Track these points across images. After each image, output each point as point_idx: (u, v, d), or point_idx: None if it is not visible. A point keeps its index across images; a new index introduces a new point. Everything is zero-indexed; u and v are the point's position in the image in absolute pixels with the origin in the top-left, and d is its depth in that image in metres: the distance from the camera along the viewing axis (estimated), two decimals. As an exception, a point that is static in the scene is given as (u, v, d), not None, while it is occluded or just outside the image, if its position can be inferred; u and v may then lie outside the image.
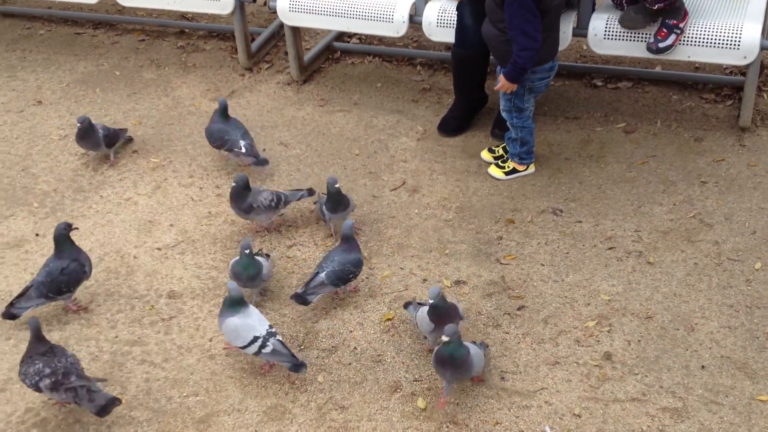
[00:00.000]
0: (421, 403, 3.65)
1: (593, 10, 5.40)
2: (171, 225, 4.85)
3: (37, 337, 3.53)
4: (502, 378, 3.77)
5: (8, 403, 3.77)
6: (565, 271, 4.36)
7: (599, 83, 6.05)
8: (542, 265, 4.43)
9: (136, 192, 5.17)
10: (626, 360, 3.84)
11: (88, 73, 6.49)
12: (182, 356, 3.98)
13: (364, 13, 5.76)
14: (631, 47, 5.26)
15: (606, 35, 5.27)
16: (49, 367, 3.45)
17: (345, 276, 4.03)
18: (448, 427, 3.58)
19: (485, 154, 5.29)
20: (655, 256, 4.45)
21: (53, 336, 4.11)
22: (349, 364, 3.88)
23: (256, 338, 3.61)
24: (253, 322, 3.66)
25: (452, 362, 3.43)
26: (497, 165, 5.15)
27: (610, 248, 4.51)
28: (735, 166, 5.02)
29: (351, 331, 4.06)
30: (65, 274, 4.02)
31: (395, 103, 5.98)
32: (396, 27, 5.74)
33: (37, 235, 4.80)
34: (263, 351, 3.62)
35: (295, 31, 6.10)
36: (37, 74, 6.50)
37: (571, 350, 3.90)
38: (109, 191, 5.19)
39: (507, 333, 4.01)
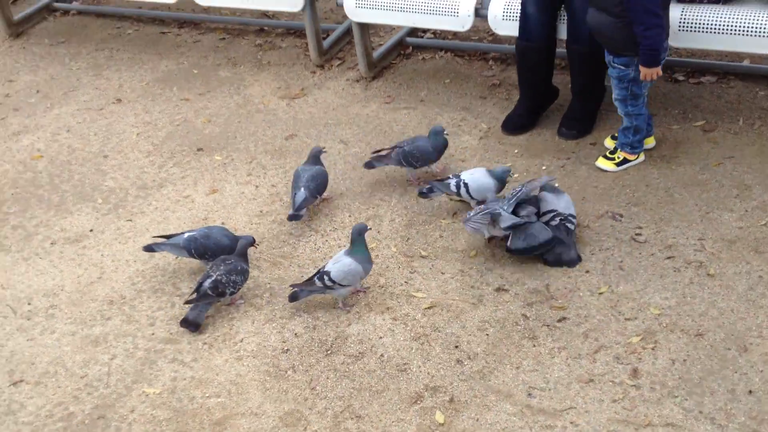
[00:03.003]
0: (439, 417, 3.49)
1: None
2: (222, 223, 4.85)
3: None
4: (529, 394, 3.56)
5: (41, 396, 3.84)
6: (615, 281, 4.09)
7: (681, 77, 5.65)
8: (591, 273, 4.16)
9: (195, 190, 5.20)
10: (667, 381, 3.54)
11: (168, 71, 6.60)
12: (212, 356, 3.96)
13: (429, 8, 5.61)
14: (718, 39, 4.86)
15: (682, 26, 4.90)
16: None
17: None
18: (467, 443, 3.41)
19: (603, 162, 4.92)
20: (717, 267, 4.10)
21: (94, 331, 4.18)
22: (373, 371, 3.76)
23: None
24: None
25: None
26: (605, 156, 4.88)
27: (669, 257, 4.19)
28: (821, 169, 4.58)
29: (381, 337, 3.94)
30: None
31: (462, 100, 5.80)
32: (461, 21, 5.56)
33: (91, 230, 4.89)
34: None
35: (363, 27, 5.99)
36: (120, 73, 6.66)
37: (608, 367, 3.64)
38: (170, 189, 5.24)
39: (542, 345, 3.78)
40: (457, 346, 3.82)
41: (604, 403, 3.48)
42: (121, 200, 5.15)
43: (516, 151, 5.18)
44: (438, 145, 4.90)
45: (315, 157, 4.82)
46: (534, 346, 3.78)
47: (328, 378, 3.72)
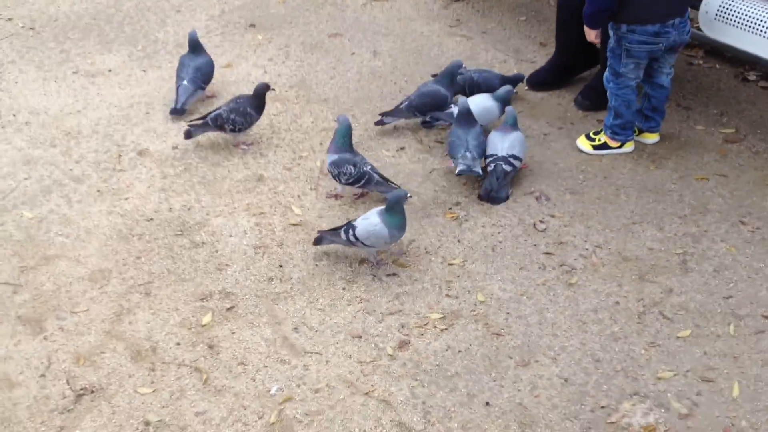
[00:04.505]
0: (206, 319, 3.62)
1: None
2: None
3: None
4: (296, 329, 3.57)
5: None
6: (475, 258, 3.90)
7: (752, 77, 4.94)
8: (462, 243, 3.98)
9: (217, 59, 5.49)
10: (423, 363, 3.41)
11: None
12: (93, 202, 4.33)
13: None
14: (747, 39, 4.23)
15: (719, 16, 4.29)
16: None
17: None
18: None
19: (582, 142, 4.59)
20: (584, 279, 3.76)
21: (34, 152, 4.71)
22: (196, 261, 3.93)
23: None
24: None
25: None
26: (587, 136, 4.56)
27: (548, 253, 3.92)
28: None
29: (231, 236, 4.08)
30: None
31: (519, 41, 5.54)
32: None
33: (109, 70, 5.39)
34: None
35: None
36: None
37: (386, 331, 3.55)
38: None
39: (349, 291, 3.75)
40: (281, 266, 3.89)
41: (349, 360, 3.43)
42: (154, 52, 5.60)
43: (520, 109, 4.90)
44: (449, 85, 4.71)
45: (196, 46, 4.88)
46: (343, 289, 3.76)
47: (157, 254, 3.97)
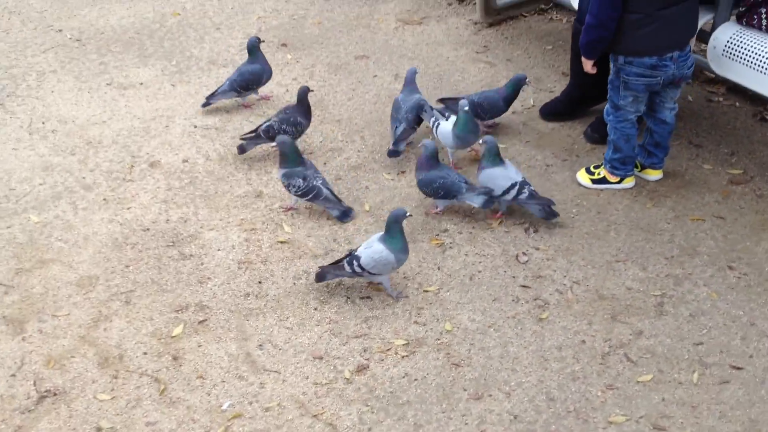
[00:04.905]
0: (177, 330, 3.73)
1: (733, 11, 4.30)
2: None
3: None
4: (260, 346, 3.66)
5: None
6: (450, 286, 3.91)
7: (771, 117, 4.81)
8: (442, 270, 4.00)
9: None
10: (377, 390, 3.43)
11: None
12: (98, 210, 4.53)
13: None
14: (758, 79, 4.13)
15: (726, 52, 4.21)
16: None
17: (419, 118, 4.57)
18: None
19: (581, 175, 4.53)
20: (555, 315, 3.73)
21: (53, 159, 4.95)
22: (181, 273, 4.06)
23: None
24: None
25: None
26: (587, 169, 4.53)
27: (524, 286, 3.90)
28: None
29: (219, 250, 4.21)
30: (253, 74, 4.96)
31: (542, 71, 5.52)
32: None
33: (141, 83, 5.61)
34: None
35: (485, -31, 5.84)
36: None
37: (348, 354, 3.60)
38: (230, 69, 5.72)
39: (320, 312, 3.84)
40: (260, 282, 3.99)
41: (306, 381, 3.49)
42: (186, 68, 5.80)
43: (528, 139, 4.89)
44: (508, 95, 4.79)
45: (251, 53, 5.06)
46: (315, 309, 3.83)
47: (146, 263, 4.12)
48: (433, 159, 4.11)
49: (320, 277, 3.81)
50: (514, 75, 4.73)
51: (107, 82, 5.60)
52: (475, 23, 6.09)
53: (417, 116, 4.64)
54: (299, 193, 4.16)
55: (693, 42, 4.27)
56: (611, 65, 4.15)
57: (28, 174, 4.74)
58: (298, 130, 4.64)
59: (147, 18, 6.36)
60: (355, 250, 3.78)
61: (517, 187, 4.09)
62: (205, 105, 5.18)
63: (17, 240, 4.25)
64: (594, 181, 4.40)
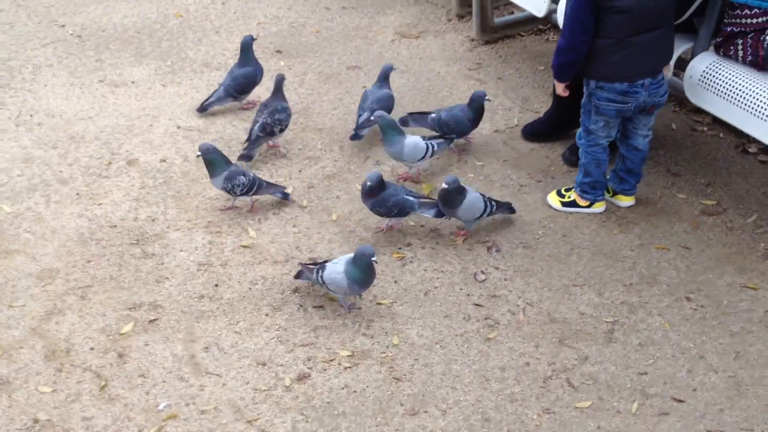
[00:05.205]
0: (126, 328, 3.77)
1: (712, 41, 4.26)
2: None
3: None
4: (206, 348, 3.67)
5: None
6: (404, 300, 3.90)
7: (753, 150, 4.76)
8: (398, 283, 4.00)
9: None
10: (314, 400, 3.43)
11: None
12: (75, 202, 4.59)
13: (518, -16, 5.32)
14: (730, 110, 4.09)
15: (702, 82, 4.18)
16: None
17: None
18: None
19: (552, 198, 4.51)
20: (503, 335, 3.72)
21: (35, 152, 5.02)
22: (140, 271, 4.09)
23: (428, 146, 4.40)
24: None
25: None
26: (558, 192, 4.51)
27: (478, 305, 3.88)
28: None
29: (181, 250, 4.24)
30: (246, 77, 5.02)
31: (530, 90, 5.50)
32: (538, 5, 5.23)
33: (132, 82, 5.67)
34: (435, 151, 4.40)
35: (482, -15, 5.84)
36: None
37: (291, 362, 3.60)
38: (222, 72, 5.77)
39: (277, 317, 3.84)
40: (216, 285, 4.01)
41: (246, 386, 3.50)
42: (180, 69, 5.86)
43: (506, 158, 4.88)
44: (474, 115, 4.80)
45: (244, 53, 5.10)
46: (266, 315, 3.84)
47: (108, 260, 4.16)
48: (380, 187, 4.08)
49: (298, 275, 3.87)
50: (474, 92, 4.71)
51: (100, 79, 5.67)
52: (472, 40, 6.09)
53: (382, 108, 4.75)
54: (244, 190, 4.20)
55: (670, 70, 4.24)
56: (584, 89, 4.13)
57: (8, 165, 4.81)
58: (288, 115, 4.75)
59: (149, 18, 6.43)
60: (329, 260, 3.78)
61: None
62: (201, 110, 5.20)
63: (-13, 229, 4.30)
64: (564, 204, 4.37)
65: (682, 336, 3.64)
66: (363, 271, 3.62)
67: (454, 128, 4.71)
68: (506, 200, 4.30)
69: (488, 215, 4.17)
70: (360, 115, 4.88)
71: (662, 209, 4.40)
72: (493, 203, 4.18)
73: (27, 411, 3.36)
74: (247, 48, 5.15)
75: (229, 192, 4.29)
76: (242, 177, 4.23)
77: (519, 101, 5.40)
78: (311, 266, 3.81)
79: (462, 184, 4.09)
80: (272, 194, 4.39)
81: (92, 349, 3.64)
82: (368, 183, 4.03)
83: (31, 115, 5.28)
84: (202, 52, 5.98)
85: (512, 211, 4.30)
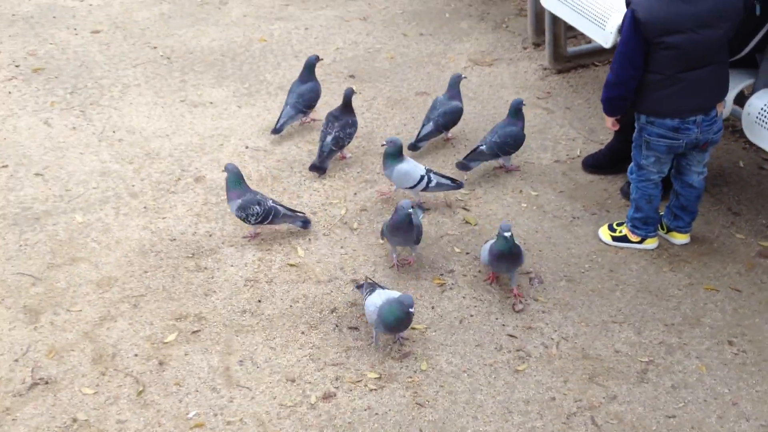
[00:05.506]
0: (170, 337, 3.94)
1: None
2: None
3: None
4: (241, 362, 3.82)
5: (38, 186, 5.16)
6: (438, 327, 3.95)
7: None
8: (435, 309, 4.06)
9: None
10: (335, 419, 3.53)
11: (414, 4, 7.12)
12: (134, 217, 4.84)
13: (589, 13, 5.31)
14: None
15: (759, 120, 4.10)
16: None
17: (504, 147, 4.76)
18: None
19: (603, 232, 4.48)
20: (533, 368, 3.72)
21: (110, 166, 5.30)
22: (190, 283, 4.29)
23: (422, 177, 4.47)
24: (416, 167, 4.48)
25: (509, 256, 3.89)
26: (610, 226, 4.50)
27: (512, 336, 3.88)
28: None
29: (232, 266, 4.42)
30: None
31: (597, 121, 5.47)
32: (605, 36, 5.21)
33: (211, 103, 5.93)
34: (430, 186, 4.49)
35: (556, 17, 5.86)
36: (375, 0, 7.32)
37: (321, 381, 3.71)
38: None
39: (312, 336, 3.94)
40: (259, 301, 4.16)
41: (273, 401, 3.61)
42: (256, 91, 6.09)
43: (563, 189, 4.87)
44: (522, 121, 4.93)
45: (306, 71, 5.31)
46: (302, 333, 3.95)
47: (163, 271, 4.37)
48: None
49: (359, 286, 3.98)
50: (512, 101, 4.91)
51: (181, 99, 5.94)
52: (544, 69, 6.09)
53: (447, 121, 5.00)
54: (258, 220, 4.30)
55: (726, 106, 4.15)
56: (635, 123, 4.09)
57: (86, 177, 5.10)
58: (356, 129, 4.98)
59: (235, 42, 6.70)
60: (377, 288, 3.85)
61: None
62: (275, 132, 5.40)
63: (58, 237, 4.59)
64: (614, 239, 4.32)
65: (718, 381, 3.54)
66: (395, 317, 3.63)
67: (515, 144, 4.75)
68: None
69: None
70: (424, 125, 5.08)
71: (717, 249, 4.29)
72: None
73: (68, 410, 3.56)
74: (310, 67, 5.32)
75: (243, 221, 4.39)
76: (257, 207, 4.32)
77: (584, 132, 5.36)
78: (370, 283, 3.90)
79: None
80: (291, 223, 4.44)
81: (136, 355, 3.82)
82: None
83: (113, 132, 5.58)
84: (279, 76, 6.19)
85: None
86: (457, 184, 4.63)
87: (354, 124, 4.97)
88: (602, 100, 4.05)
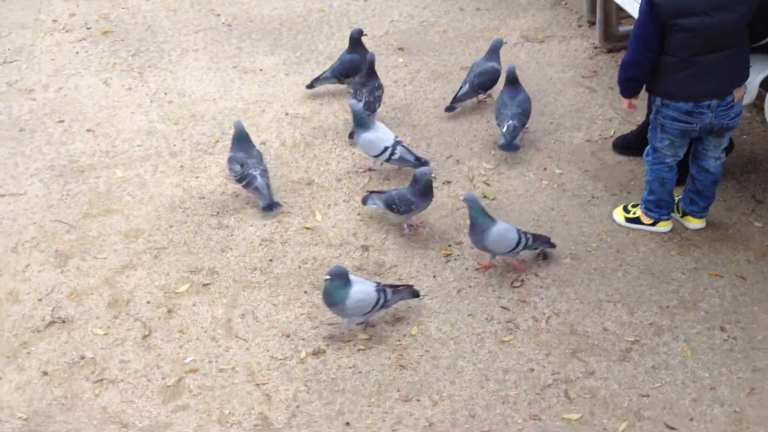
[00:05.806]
0: (182, 288, 4.19)
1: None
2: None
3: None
4: (242, 316, 4.04)
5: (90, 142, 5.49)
6: (437, 296, 4.06)
7: None
8: (436, 281, 4.17)
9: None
10: (320, 375, 3.71)
11: None
12: (164, 171, 5.10)
13: None
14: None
15: None
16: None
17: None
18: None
19: (618, 212, 4.49)
20: (518, 340, 3.79)
21: (156, 125, 5.59)
22: (214, 243, 4.52)
23: (386, 147, 4.57)
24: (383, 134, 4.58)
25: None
26: (624, 207, 4.51)
27: (505, 308, 3.96)
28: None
29: (258, 245, 4.63)
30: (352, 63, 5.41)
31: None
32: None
33: (260, 70, 6.14)
34: (392, 158, 4.58)
35: (608, -2, 5.79)
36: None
37: (310, 336, 3.89)
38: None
39: (311, 303, 4.11)
40: (270, 260, 4.35)
41: (266, 353, 3.80)
42: (306, 60, 6.26)
43: (588, 168, 4.88)
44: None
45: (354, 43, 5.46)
46: (305, 293, 4.13)
47: (187, 226, 4.58)
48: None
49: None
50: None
51: (234, 65, 6.17)
52: (594, 47, 6.03)
53: (482, 81, 5.18)
54: (237, 178, 4.46)
55: (747, 92, 4.07)
56: (652, 105, 4.07)
57: (133, 135, 5.39)
58: (381, 92, 5.22)
59: (295, 11, 6.88)
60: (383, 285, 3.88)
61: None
62: (309, 87, 5.63)
63: (98, 189, 4.89)
64: (628, 220, 4.32)
65: (700, 365, 3.53)
66: (341, 291, 3.69)
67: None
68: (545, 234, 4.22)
69: (523, 249, 4.06)
70: (461, 88, 5.24)
71: (732, 235, 4.23)
72: (529, 236, 4.06)
73: (78, 348, 3.85)
74: (354, 40, 5.47)
75: (229, 173, 4.63)
76: (238, 167, 4.52)
77: (622, 112, 5.31)
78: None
79: (492, 217, 4.08)
80: (256, 199, 4.57)
81: (148, 302, 4.07)
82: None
83: (165, 93, 5.85)
84: (331, 46, 6.33)
85: (551, 245, 4.15)
86: (421, 162, 4.65)
87: (380, 87, 5.12)
88: (618, 80, 4.04)
